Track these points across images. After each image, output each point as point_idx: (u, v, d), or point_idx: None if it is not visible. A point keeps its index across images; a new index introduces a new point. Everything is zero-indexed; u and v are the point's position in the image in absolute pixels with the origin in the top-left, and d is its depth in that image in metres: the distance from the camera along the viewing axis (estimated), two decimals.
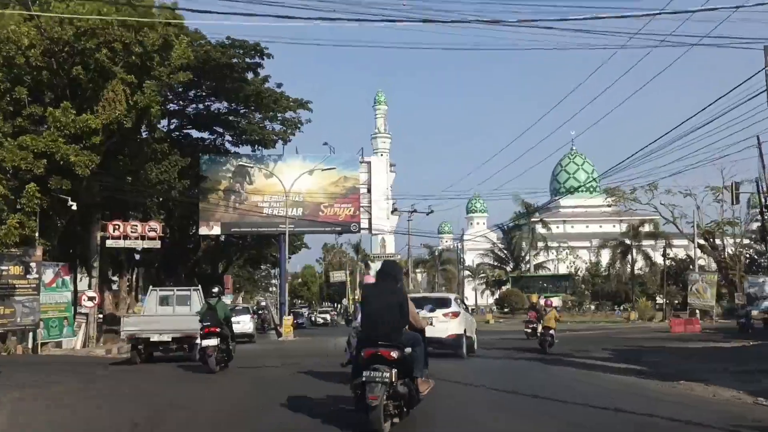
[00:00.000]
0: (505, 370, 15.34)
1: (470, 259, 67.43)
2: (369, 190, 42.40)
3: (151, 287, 21.50)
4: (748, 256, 53.59)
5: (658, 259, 53.59)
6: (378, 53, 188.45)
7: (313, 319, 61.40)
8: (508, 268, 68.76)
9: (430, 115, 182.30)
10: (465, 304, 21.08)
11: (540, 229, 65.49)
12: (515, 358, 18.37)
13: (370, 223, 43.15)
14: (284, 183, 38.53)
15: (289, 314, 35.01)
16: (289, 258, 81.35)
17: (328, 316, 57.94)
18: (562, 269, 71.50)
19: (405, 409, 7.29)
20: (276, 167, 41.13)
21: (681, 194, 52.90)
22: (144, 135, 30.78)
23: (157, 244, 29.90)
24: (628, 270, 54.42)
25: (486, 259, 69.60)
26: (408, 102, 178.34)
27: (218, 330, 13.69)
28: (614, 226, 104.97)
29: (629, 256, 50.67)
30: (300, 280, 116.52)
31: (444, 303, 17.49)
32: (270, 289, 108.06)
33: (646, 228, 52.85)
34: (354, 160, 43.20)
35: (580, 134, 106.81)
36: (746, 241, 53.71)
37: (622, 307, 53.41)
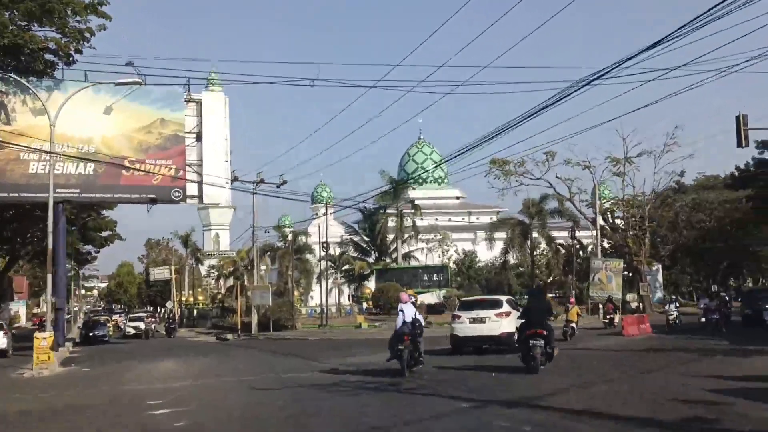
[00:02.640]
0: None
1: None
2: (199, 138, 29.22)
3: None
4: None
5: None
6: None
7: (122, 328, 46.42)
8: (371, 259, 57.87)
9: (274, 96, 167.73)
10: (518, 305, 20.87)
11: (410, 215, 55.30)
12: None
13: (200, 190, 29.83)
14: (64, 122, 24.29)
15: (52, 327, 20.52)
16: (97, 252, 64.92)
17: (142, 324, 43.01)
18: (431, 260, 62.02)
19: (548, 362, 13.57)
20: (50, 99, 26.45)
21: (579, 166, 45.00)
22: None
23: None
24: (517, 257, 45.67)
25: (340, 250, 58.25)
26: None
27: None
28: (463, 218, 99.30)
29: (529, 240, 41.61)
30: (116, 281, 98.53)
31: (496, 304, 19.53)
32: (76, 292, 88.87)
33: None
34: (176, 96, 29.66)
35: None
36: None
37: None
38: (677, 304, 28.40)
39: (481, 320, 18.60)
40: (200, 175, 29.41)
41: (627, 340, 24.58)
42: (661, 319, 29.60)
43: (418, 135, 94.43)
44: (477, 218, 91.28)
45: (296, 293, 51.14)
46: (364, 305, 49.28)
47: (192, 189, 29.81)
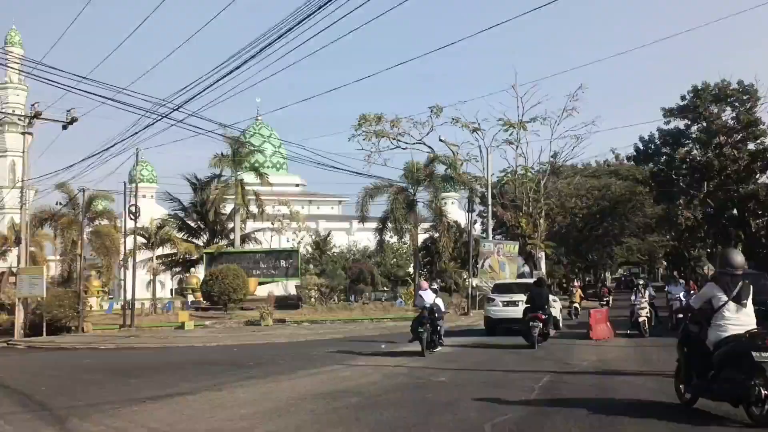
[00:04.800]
0: None
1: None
2: None
3: None
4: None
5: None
6: None
7: None
8: (201, 242, 45.90)
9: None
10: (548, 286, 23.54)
11: (255, 184, 44.23)
12: None
13: None
14: None
15: None
16: None
17: None
18: (277, 245, 51.25)
19: (544, 339, 16.02)
20: None
21: (467, 128, 36.87)
22: None
23: None
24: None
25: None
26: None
27: None
28: (303, 207, 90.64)
29: (412, 218, 31.85)
30: None
31: (528, 288, 19.10)
32: None
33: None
34: None
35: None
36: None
37: (403, 292, 34.99)
38: (652, 292, 20.40)
39: (515, 303, 19.25)
40: None
41: (613, 348, 15.94)
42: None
43: (256, 116, 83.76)
44: (318, 207, 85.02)
45: (96, 283, 38.01)
46: (190, 298, 37.52)
47: None
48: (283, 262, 42.45)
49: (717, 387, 6.77)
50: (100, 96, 26.66)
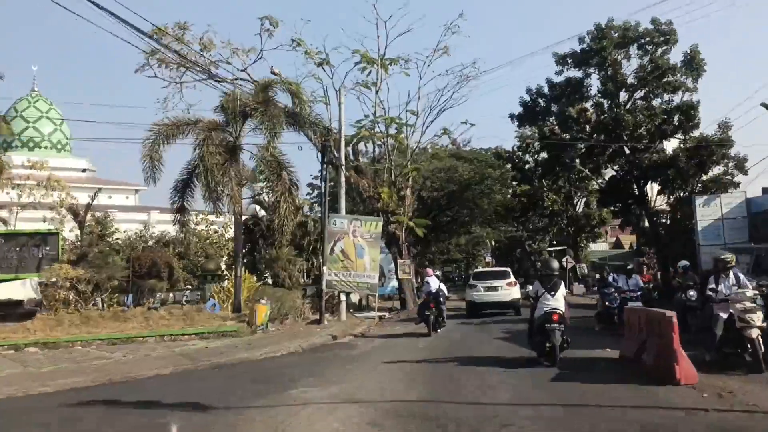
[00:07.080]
0: None
1: None
2: None
3: None
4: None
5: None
6: None
7: None
8: None
9: None
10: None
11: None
12: None
13: None
14: None
15: None
16: None
17: None
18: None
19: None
20: None
21: (312, 60, 26.30)
22: None
23: None
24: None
25: None
26: None
27: None
28: (89, 195, 75.54)
29: (233, 172, 19.32)
30: None
31: (504, 275, 24.10)
32: None
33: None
34: None
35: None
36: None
37: (215, 289, 23.01)
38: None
39: (495, 289, 22.71)
40: None
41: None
42: None
43: (32, 86, 67.63)
44: (110, 197, 69.89)
45: None
46: None
47: None
48: (35, 251, 28.88)
49: (535, 346, 11.06)
50: None
